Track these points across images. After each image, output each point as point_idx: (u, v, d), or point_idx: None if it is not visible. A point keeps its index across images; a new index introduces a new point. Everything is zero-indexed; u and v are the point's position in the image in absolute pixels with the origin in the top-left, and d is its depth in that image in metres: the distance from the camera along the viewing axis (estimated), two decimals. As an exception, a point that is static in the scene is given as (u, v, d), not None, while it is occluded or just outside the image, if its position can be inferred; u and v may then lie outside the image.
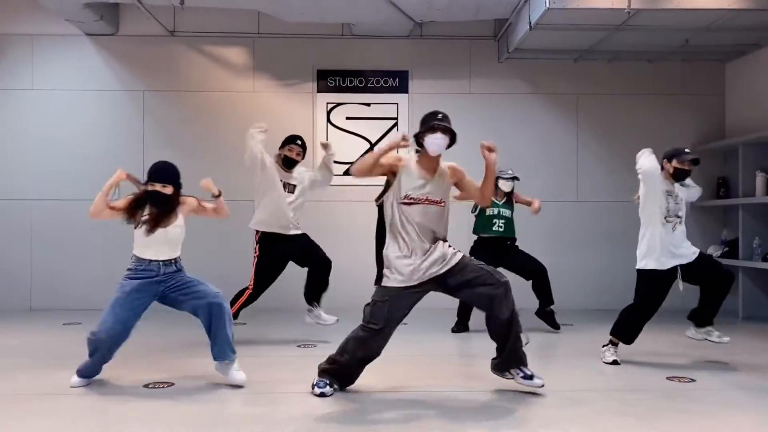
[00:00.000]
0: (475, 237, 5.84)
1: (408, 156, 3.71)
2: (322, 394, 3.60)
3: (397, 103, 7.39)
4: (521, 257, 5.77)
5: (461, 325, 5.77)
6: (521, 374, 3.67)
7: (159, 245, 3.84)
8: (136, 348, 4.36)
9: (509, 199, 5.79)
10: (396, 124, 7.39)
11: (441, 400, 3.57)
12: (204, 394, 3.67)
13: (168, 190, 3.84)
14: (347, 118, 7.38)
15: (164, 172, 3.86)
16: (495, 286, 3.54)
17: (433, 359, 4.69)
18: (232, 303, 4.94)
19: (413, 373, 4.20)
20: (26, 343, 5.22)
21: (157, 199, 3.83)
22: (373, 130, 7.38)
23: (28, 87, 7.23)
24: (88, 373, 3.83)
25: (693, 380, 4.03)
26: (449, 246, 3.65)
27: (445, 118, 3.69)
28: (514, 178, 5.78)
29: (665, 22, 6.05)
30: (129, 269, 3.87)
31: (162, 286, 3.85)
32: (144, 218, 3.82)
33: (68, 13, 6.70)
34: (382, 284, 3.64)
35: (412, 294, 3.59)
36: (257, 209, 5.19)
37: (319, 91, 7.37)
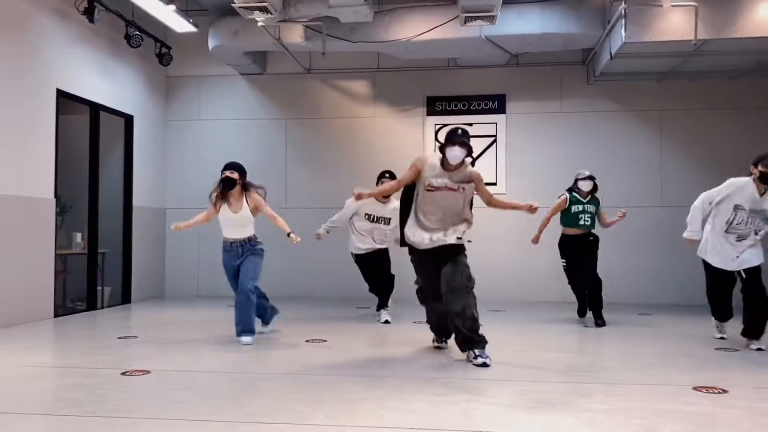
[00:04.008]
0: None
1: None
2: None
3: (496, 123, 8.55)
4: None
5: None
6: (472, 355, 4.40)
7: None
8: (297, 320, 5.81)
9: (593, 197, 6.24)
10: (495, 141, 8.54)
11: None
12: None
13: (235, 175, 5.24)
14: (453, 137, 8.62)
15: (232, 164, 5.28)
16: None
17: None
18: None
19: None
20: (205, 315, 6.87)
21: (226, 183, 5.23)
22: (475, 147, 8.42)
23: (196, 118, 9.06)
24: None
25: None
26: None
27: (464, 134, 4.46)
28: (589, 178, 6.19)
29: (734, 47, 6.80)
30: None
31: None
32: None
33: (230, 60, 8.44)
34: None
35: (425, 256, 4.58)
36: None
37: (428, 115, 8.67)
